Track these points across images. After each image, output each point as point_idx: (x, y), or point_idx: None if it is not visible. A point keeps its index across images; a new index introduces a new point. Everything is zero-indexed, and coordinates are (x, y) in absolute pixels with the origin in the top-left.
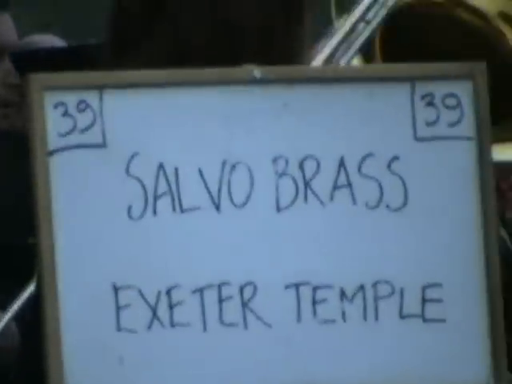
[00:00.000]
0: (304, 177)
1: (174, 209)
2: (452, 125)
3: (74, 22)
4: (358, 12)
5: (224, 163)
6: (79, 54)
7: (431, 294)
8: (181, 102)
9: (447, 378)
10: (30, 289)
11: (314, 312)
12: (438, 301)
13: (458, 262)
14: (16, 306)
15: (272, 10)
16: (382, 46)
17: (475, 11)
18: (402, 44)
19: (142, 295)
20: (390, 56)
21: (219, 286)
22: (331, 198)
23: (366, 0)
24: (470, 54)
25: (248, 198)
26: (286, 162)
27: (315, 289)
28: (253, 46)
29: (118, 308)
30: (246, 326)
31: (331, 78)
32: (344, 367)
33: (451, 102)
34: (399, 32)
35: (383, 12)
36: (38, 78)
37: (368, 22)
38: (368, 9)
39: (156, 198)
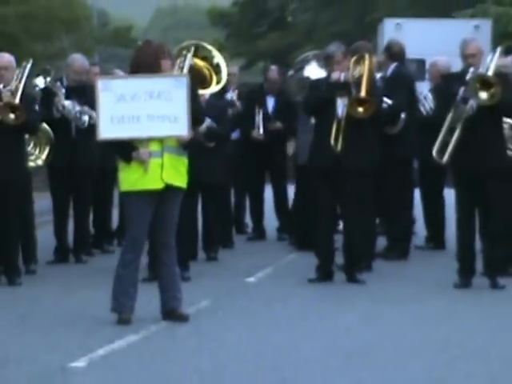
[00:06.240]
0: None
1: (132, 100)
2: None
3: None
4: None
5: (140, 94)
6: None
7: None
8: (132, 83)
9: None
10: None
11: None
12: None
13: None
14: None
15: None
16: None
17: None
18: None
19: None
20: None
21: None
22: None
23: None
24: None
25: (147, 98)
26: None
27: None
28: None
29: (111, 117)
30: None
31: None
32: None
33: None
34: None
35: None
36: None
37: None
38: None
39: (121, 99)
